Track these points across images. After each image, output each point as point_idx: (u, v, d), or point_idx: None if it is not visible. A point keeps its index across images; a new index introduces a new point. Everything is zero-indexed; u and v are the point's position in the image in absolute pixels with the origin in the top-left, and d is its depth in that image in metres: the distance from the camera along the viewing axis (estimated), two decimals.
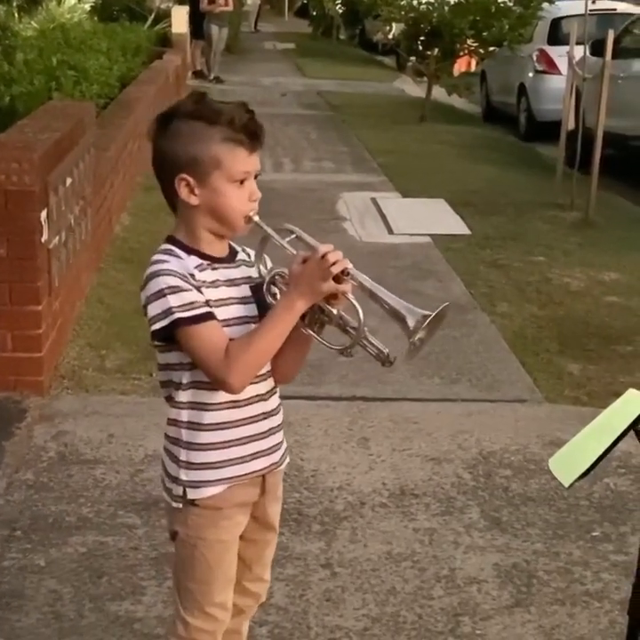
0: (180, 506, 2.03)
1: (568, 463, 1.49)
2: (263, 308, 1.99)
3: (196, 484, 2.01)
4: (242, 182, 1.94)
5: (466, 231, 7.22)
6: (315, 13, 30.87)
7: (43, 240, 4.11)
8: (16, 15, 11.07)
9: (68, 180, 4.68)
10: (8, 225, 3.98)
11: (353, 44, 28.54)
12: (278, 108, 13.76)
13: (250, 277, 2.03)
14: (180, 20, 15.96)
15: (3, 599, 2.85)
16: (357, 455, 3.78)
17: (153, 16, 15.56)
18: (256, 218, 1.97)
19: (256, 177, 1.99)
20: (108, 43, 9.56)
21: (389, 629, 2.79)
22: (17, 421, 3.92)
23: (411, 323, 1.85)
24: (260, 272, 2.02)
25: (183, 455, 2.01)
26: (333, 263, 1.87)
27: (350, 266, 1.89)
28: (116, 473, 3.56)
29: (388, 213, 7.67)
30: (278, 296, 1.97)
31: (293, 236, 1.99)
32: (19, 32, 9.34)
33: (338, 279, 1.88)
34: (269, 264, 2.05)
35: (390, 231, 7.22)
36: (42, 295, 4.09)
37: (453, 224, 7.44)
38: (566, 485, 1.49)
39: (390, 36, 16.21)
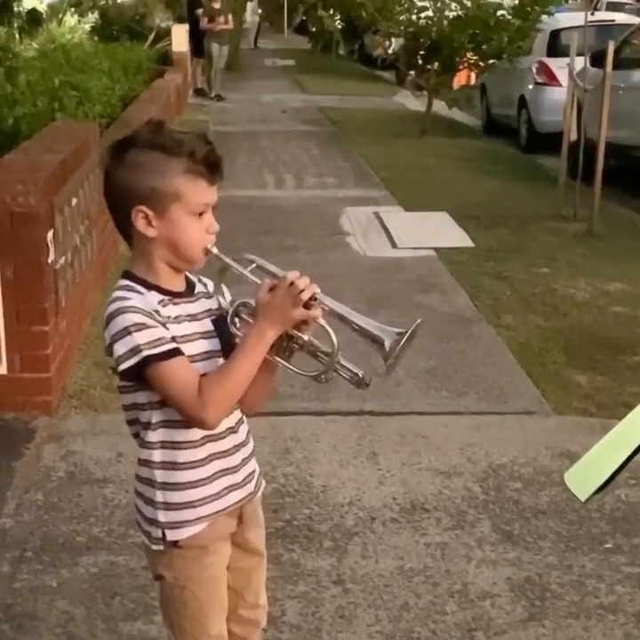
0: (162, 548, 1.98)
1: (584, 477, 1.48)
2: (226, 341, 1.95)
3: (176, 525, 1.96)
4: (200, 215, 1.90)
5: (469, 244, 7.23)
6: (314, 29, 30.99)
7: (49, 261, 4.12)
8: (17, 37, 11.14)
9: (74, 201, 4.70)
10: (14, 246, 3.99)
11: (352, 60, 28.69)
12: (279, 125, 13.82)
13: (210, 310, 1.98)
14: (180, 39, 16.06)
15: (15, 620, 2.85)
16: (367, 470, 3.77)
17: (153, 35, 15.67)
18: (214, 250, 1.92)
19: (213, 209, 1.94)
20: (109, 63, 9.63)
21: None
22: (26, 442, 3.92)
23: (386, 344, 1.83)
24: (220, 304, 1.98)
25: (159, 496, 1.95)
26: (302, 289, 1.83)
27: (318, 291, 1.86)
28: (125, 492, 3.54)
29: (391, 227, 7.68)
30: (241, 327, 1.92)
31: (254, 265, 1.94)
32: (20, 53, 9.41)
33: (307, 305, 1.85)
34: (228, 294, 2.00)
35: (394, 245, 7.23)
36: (49, 315, 4.10)
37: (457, 237, 7.45)
38: (583, 500, 1.48)
39: (390, 51, 16.26)
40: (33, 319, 4.06)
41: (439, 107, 13.90)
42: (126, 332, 1.83)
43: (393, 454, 3.89)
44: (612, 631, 2.84)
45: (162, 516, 1.96)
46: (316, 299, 1.86)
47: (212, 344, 1.95)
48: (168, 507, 1.95)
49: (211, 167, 1.88)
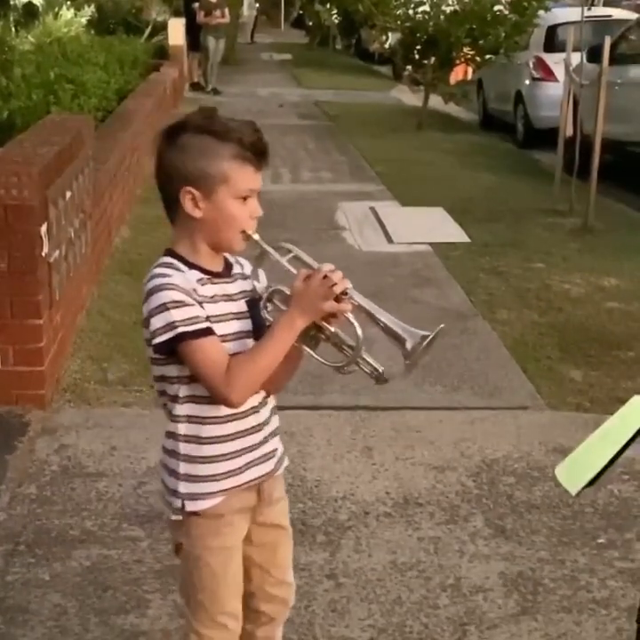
0: (180, 518, 2.06)
1: (574, 471, 1.48)
2: (257, 323, 2.02)
3: (195, 497, 2.03)
4: (245, 199, 1.98)
5: (465, 239, 7.23)
6: (311, 24, 30.97)
7: (43, 254, 4.11)
8: (13, 30, 11.10)
9: (68, 194, 4.68)
10: (8, 239, 3.98)
11: (349, 54, 28.67)
12: (276, 119, 13.79)
13: (245, 291, 2.06)
14: (176, 33, 16.03)
15: (7, 614, 2.84)
16: (360, 464, 3.77)
17: (149, 29, 15.62)
18: (256, 236, 2.00)
19: (258, 195, 2.02)
20: (105, 56, 9.59)
21: (396, 639, 2.78)
22: (19, 435, 3.91)
23: (408, 344, 1.89)
24: (254, 287, 2.06)
25: (182, 468, 2.03)
26: (335, 283, 1.90)
27: (350, 286, 1.93)
28: (118, 486, 3.55)
29: (386, 222, 7.68)
30: (272, 312, 2.00)
31: (291, 254, 2.01)
32: (16, 46, 9.37)
33: (338, 299, 1.92)
34: (263, 278, 2.08)
35: (389, 240, 7.23)
36: (43, 309, 4.09)
37: (452, 232, 7.45)
38: (573, 494, 1.48)
39: (386, 46, 16.24)
40: (27, 312, 4.05)
41: (436, 102, 13.89)
42: (164, 307, 1.91)
43: (387, 449, 3.89)
44: (605, 626, 2.85)
45: (182, 488, 2.03)
46: (347, 293, 1.92)
47: (245, 325, 2.02)
48: (189, 478, 2.03)
49: (258, 154, 1.97)
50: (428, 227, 7.59)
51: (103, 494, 3.49)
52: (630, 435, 1.43)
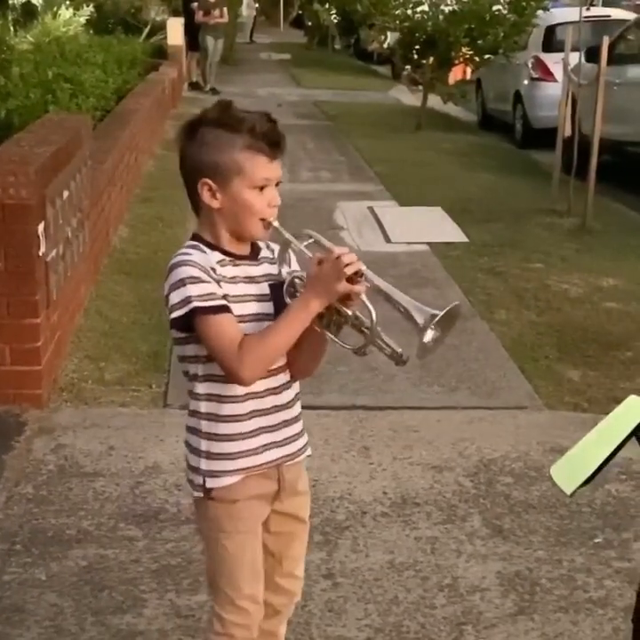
0: (202, 495, 2.09)
1: (570, 471, 1.48)
2: (279, 307, 2.05)
3: (215, 474, 2.07)
4: (262, 189, 2.01)
5: (463, 239, 7.22)
6: (310, 23, 30.98)
7: (40, 253, 4.11)
8: (11, 29, 11.09)
9: (65, 193, 4.68)
10: (5, 238, 3.98)
11: (348, 54, 28.65)
12: None
13: (270, 274, 2.09)
14: (175, 32, 16.02)
15: (3, 614, 2.84)
16: (358, 464, 3.77)
17: (148, 28, 15.61)
18: (276, 223, 2.04)
19: (277, 184, 2.06)
20: (103, 55, 9.58)
21: (393, 639, 2.77)
22: (16, 435, 3.91)
23: (420, 321, 1.90)
24: (281, 274, 2.09)
25: (203, 445, 2.07)
26: (347, 264, 1.92)
27: (364, 268, 1.95)
28: (116, 485, 3.55)
29: (385, 222, 7.68)
30: (294, 296, 2.03)
31: (311, 239, 2.05)
32: (14, 46, 9.35)
33: (352, 281, 1.93)
34: (294, 265, 2.11)
35: (388, 240, 7.22)
36: (40, 308, 4.09)
37: (451, 232, 7.45)
38: (568, 493, 1.48)
39: (385, 46, 16.22)
40: (24, 312, 4.04)
41: (435, 101, 13.89)
42: (182, 283, 1.96)
43: (384, 448, 3.89)
44: (601, 626, 2.85)
45: (204, 465, 2.08)
46: (362, 275, 1.94)
47: (265, 307, 2.05)
48: (210, 456, 2.07)
49: (271, 143, 2.02)
50: (427, 226, 7.59)
51: (100, 494, 3.49)
52: (625, 434, 1.43)
